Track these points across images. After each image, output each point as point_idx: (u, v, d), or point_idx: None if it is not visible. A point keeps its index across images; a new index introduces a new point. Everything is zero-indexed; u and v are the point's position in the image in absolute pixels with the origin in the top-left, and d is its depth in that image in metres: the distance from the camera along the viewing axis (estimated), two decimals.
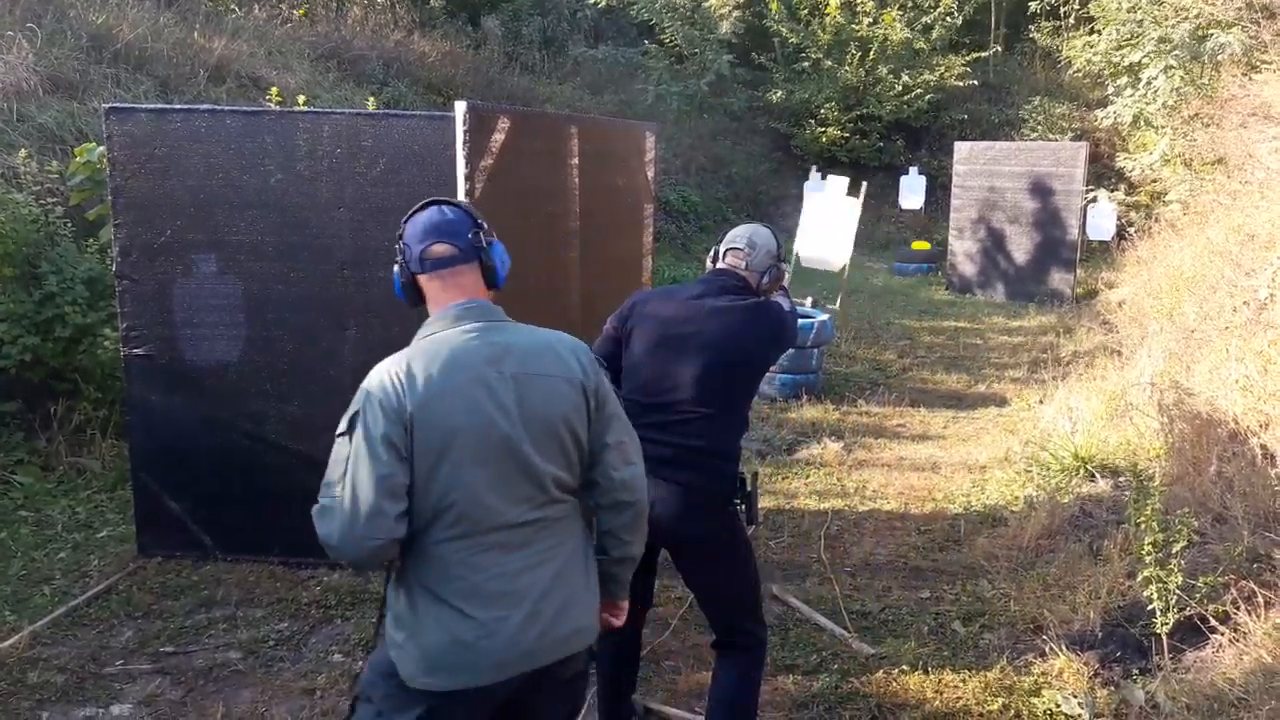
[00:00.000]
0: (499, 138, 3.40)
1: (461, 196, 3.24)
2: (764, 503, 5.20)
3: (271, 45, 10.88)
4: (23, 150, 5.75)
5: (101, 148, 4.80)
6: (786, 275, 3.11)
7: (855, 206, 9.34)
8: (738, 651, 2.84)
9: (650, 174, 4.87)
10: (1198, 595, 3.40)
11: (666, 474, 2.71)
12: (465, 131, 3.21)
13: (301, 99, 7.07)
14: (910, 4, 16.09)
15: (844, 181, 9.65)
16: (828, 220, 9.32)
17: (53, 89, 7.61)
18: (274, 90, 6.78)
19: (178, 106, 4.28)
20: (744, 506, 2.80)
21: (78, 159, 5.66)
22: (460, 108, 3.21)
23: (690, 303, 2.87)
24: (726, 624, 2.87)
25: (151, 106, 4.29)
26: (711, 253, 3.06)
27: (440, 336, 1.98)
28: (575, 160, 4.01)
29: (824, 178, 15.04)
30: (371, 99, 8.92)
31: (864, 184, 10.02)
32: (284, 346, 4.26)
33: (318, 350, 4.24)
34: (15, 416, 5.26)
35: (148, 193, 4.19)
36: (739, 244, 2.98)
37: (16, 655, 3.60)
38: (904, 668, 3.56)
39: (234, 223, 4.20)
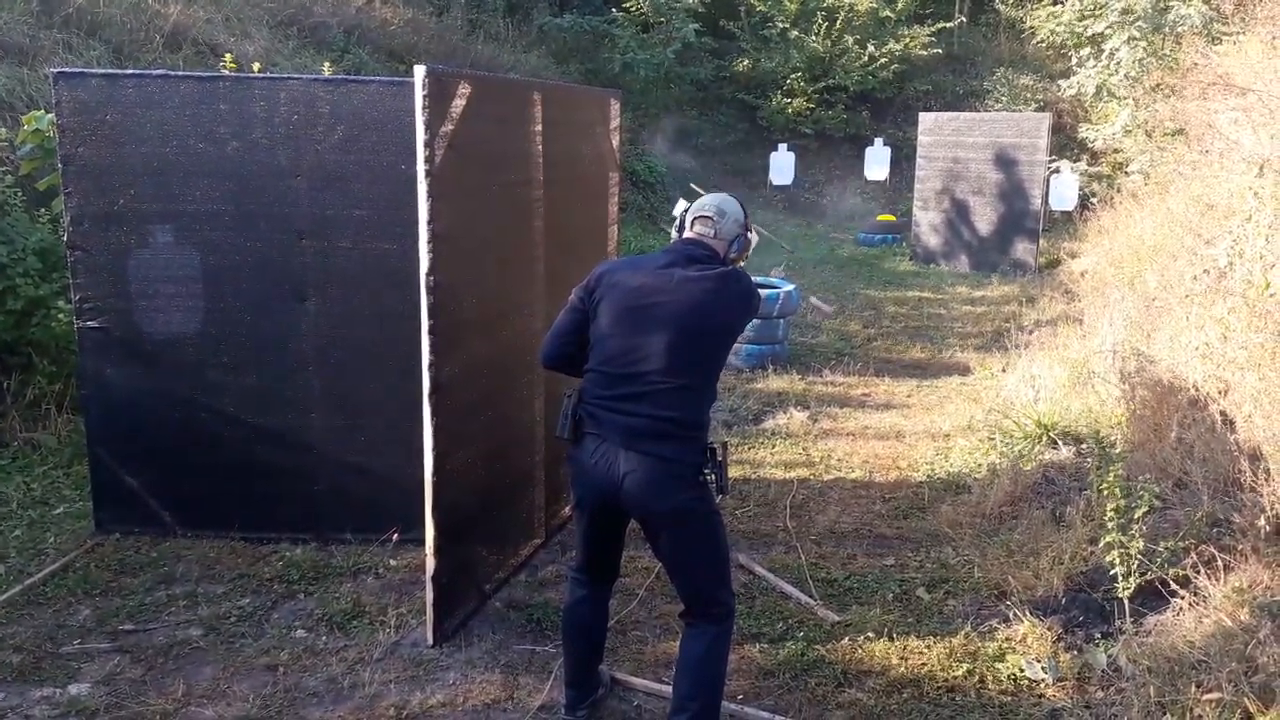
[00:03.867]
0: (460, 103, 3.32)
1: (421, 164, 3.17)
2: (731, 472, 5.21)
3: (229, 11, 10.58)
4: None
5: (51, 115, 4.64)
6: (753, 243, 3.09)
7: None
8: (707, 620, 2.84)
9: (615, 142, 4.80)
10: (1159, 560, 3.46)
11: (639, 445, 2.70)
12: (425, 97, 3.13)
13: (257, 66, 6.87)
14: None
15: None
16: None
17: (1, 54, 7.34)
18: (229, 57, 6.57)
19: (130, 71, 4.14)
20: (714, 477, 2.79)
21: (26, 127, 5.48)
22: (420, 72, 3.13)
23: (658, 272, 2.83)
24: (695, 593, 2.87)
25: (102, 71, 4.15)
26: (677, 221, 3.03)
27: None
28: (539, 127, 3.93)
29: (789, 149, 15.05)
30: (328, 66, 8.70)
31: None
32: (242, 318, 4.17)
33: (276, 321, 4.16)
34: None
35: (99, 160, 4.06)
36: (708, 212, 2.94)
37: None
38: (869, 635, 3.60)
39: (189, 191, 4.09)
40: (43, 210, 5.59)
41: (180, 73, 4.70)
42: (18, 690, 3.23)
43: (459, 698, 3.21)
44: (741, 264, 3.04)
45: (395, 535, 4.18)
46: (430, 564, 3.40)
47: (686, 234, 2.96)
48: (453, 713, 3.15)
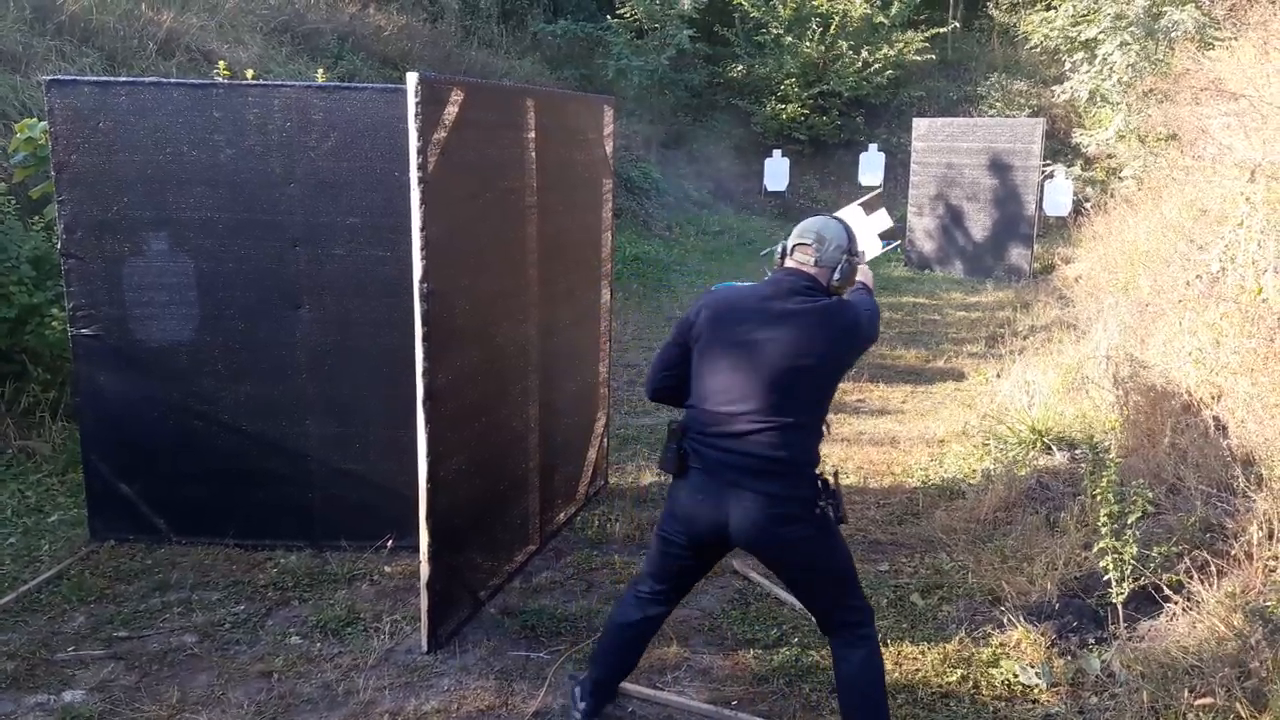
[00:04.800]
0: (452, 110, 3.32)
1: (414, 171, 3.17)
2: None
3: (223, 18, 10.59)
4: None
5: (44, 123, 4.64)
6: (863, 269, 2.96)
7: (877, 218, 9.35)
8: (846, 630, 2.79)
9: (609, 148, 4.80)
10: (1152, 565, 3.47)
11: (746, 484, 2.65)
12: (417, 104, 3.13)
13: (250, 73, 6.88)
14: None
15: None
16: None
17: None
18: (222, 64, 6.57)
19: (122, 79, 4.14)
20: (831, 507, 2.72)
21: (19, 135, 5.47)
22: (412, 79, 3.13)
23: (759, 305, 2.74)
24: (825, 612, 2.82)
25: (95, 79, 4.14)
26: (780, 248, 2.88)
27: None
28: (532, 134, 3.94)
29: (784, 155, 15.09)
30: (322, 73, 8.71)
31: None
32: (236, 325, 4.17)
33: (270, 328, 4.16)
34: None
35: (92, 168, 4.06)
36: (806, 239, 2.81)
37: None
38: None
39: (183, 199, 4.09)
40: (36, 218, 5.59)
41: (173, 80, 4.69)
42: (12, 697, 3.22)
43: (453, 704, 3.21)
44: (847, 292, 2.91)
45: (390, 542, 4.18)
46: (425, 570, 3.40)
47: (787, 262, 2.84)
48: (447, 719, 3.14)
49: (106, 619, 3.72)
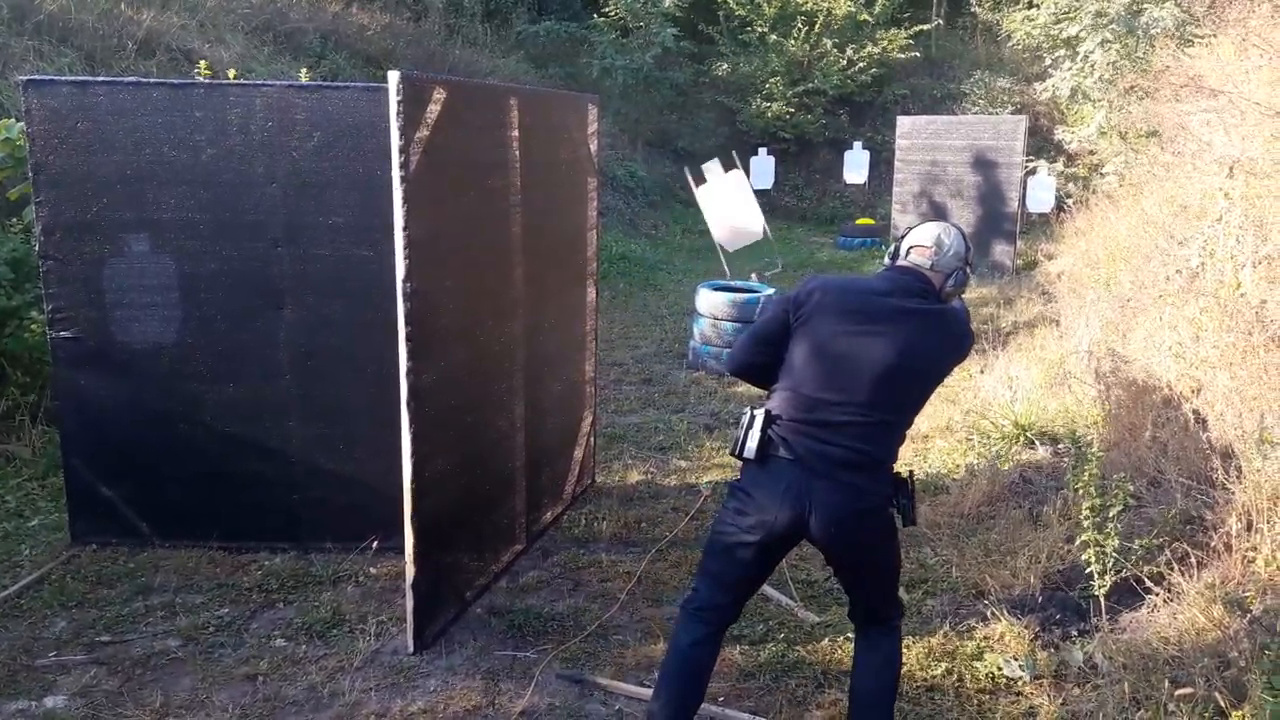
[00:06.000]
0: (435, 109, 3.31)
1: (396, 170, 3.17)
2: (709, 475, 5.23)
3: (204, 17, 10.52)
4: None
5: (21, 124, 4.59)
6: (970, 281, 2.95)
7: (737, 175, 9.72)
8: (883, 623, 2.81)
9: (594, 147, 4.80)
10: (1134, 557, 3.50)
11: (835, 475, 2.60)
12: (400, 103, 3.13)
13: (232, 72, 6.85)
14: None
15: (716, 163, 10.04)
16: (725, 201, 9.67)
17: None
18: (203, 64, 6.54)
19: (101, 79, 4.10)
20: (904, 506, 2.71)
21: None
22: (394, 77, 3.12)
23: (876, 300, 2.69)
24: (869, 609, 2.82)
25: (73, 79, 4.11)
26: (892, 248, 2.85)
27: None
28: (515, 132, 3.93)
29: (769, 153, 15.11)
30: (305, 72, 8.67)
31: (734, 157, 10.51)
32: (218, 326, 4.14)
33: (253, 330, 4.14)
34: None
35: (71, 169, 4.03)
36: (926, 242, 2.77)
37: None
38: (848, 635, 3.58)
39: (164, 199, 4.06)
40: (14, 220, 5.54)
41: (153, 80, 4.66)
42: None
43: (440, 704, 3.20)
44: (956, 301, 2.88)
45: (375, 543, 4.17)
46: (410, 571, 3.39)
47: (901, 262, 2.80)
48: (434, 719, 3.14)
49: (88, 624, 3.69)
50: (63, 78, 5.08)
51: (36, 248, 4.19)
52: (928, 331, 2.68)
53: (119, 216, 4.07)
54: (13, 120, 5.40)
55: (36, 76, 4.11)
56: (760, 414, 2.68)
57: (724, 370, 7.17)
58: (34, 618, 3.73)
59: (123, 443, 4.21)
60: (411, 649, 3.47)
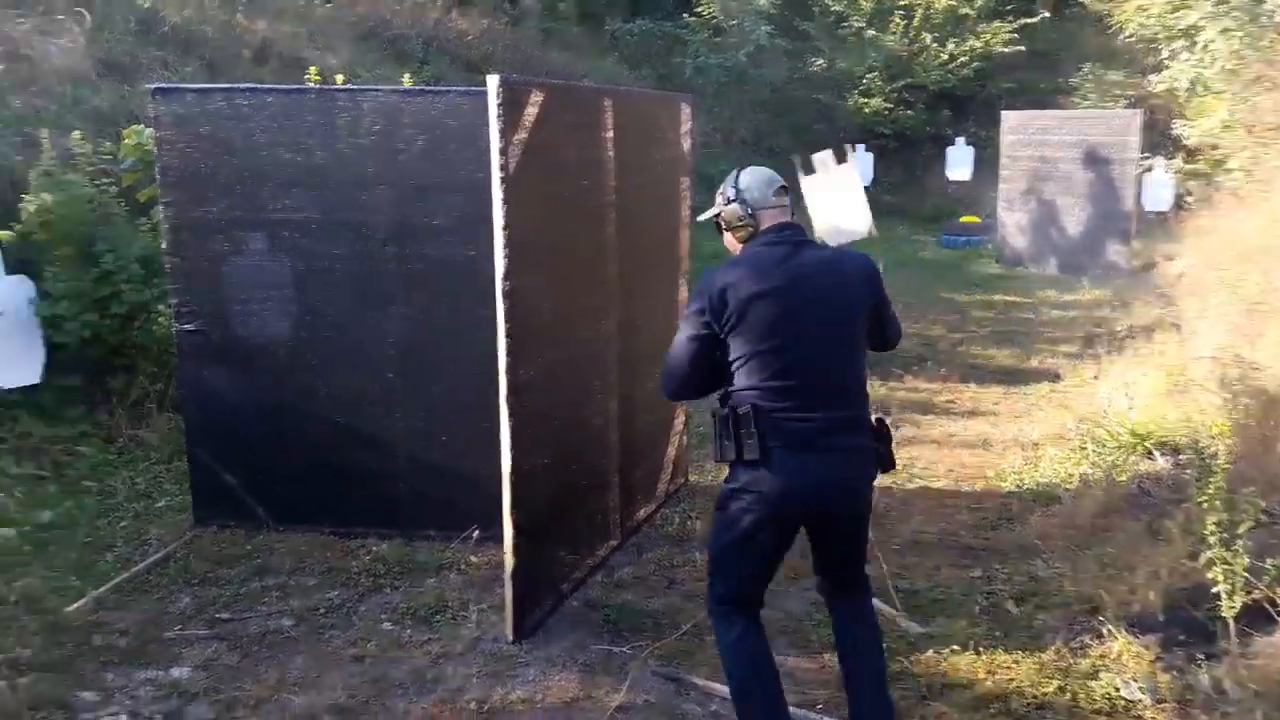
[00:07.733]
0: (532, 111, 3.36)
1: (496, 171, 3.21)
2: None
3: (314, 26, 10.93)
4: (77, 132, 5.84)
5: (150, 129, 4.85)
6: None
7: (849, 169, 9.45)
8: (860, 588, 2.84)
9: (687, 146, 4.78)
10: (1267, 578, 3.27)
11: (837, 446, 2.61)
12: (499, 105, 3.18)
13: (340, 78, 7.07)
14: None
15: (829, 154, 9.75)
16: (833, 194, 9.41)
17: (105, 72, 7.72)
18: (313, 70, 6.77)
19: (219, 86, 4.30)
20: (884, 453, 2.72)
21: (127, 141, 5.73)
22: (493, 81, 3.18)
23: (787, 267, 2.65)
24: (849, 575, 2.84)
25: (195, 86, 4.33)
26: (745, 213, 2.74)
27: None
28: (610, 133, 3.96)
29: (868, 150, 14.82)
30: (408, 77, 8.91)
31: (849, 149, 10.26)
32: (330, 322, 4.29)
33: (362, 325, 4.26)
34: (79, 391, 5.39)
35: (194, 171, 4.23)
36: (771, 192, 2.77)
37: (82, 619, 3.70)
38: (954, 647, 3.50)
39: (279, 200, 4.22)
40: (144, 219, 5.84)
41: (266, 86, 4.85)
42: (124, 672, 3.38)
43: (538, 695, 3.23)
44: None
45: (476, 533, 4.24)
46: (509, 561, 3.44)
47: (770, 216, 2.74)
48: (532, 709, 3.17)
49: (210, 601, 3.87)
50: (186, 85, 5.34)
51: (163, 246, 4.41)
52: (845, 270, 2.73)
53: (238, 216, 4.25)
54: (142, 126, 5.69)
55: (163, 85, 4.33)
56: (745, 413, 2.60)
57: None
58: (161, 593, 3.94)
59: (241, 432, 4.40)
60: (511, 638, 3.52)
